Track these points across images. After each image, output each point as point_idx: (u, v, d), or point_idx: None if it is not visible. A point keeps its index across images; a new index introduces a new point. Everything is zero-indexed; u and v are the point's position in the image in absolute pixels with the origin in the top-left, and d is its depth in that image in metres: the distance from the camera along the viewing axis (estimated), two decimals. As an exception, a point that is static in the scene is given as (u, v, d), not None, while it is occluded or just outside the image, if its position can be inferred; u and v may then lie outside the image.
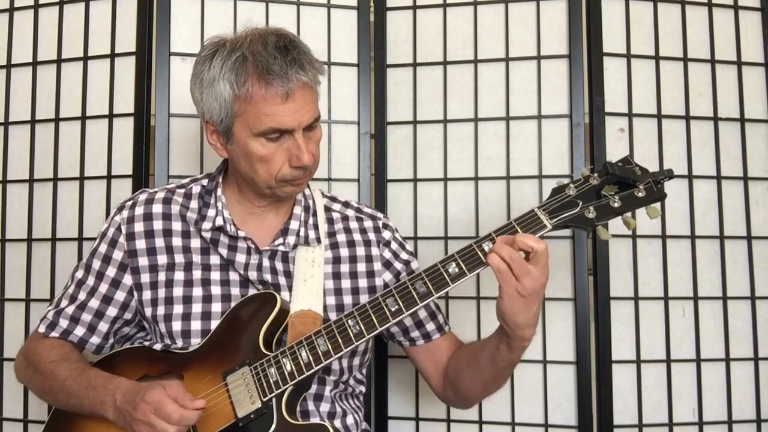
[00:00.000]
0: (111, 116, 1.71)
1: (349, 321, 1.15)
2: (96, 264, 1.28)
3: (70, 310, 1.27)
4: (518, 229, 1.13)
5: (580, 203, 1.13)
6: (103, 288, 1.27)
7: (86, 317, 1.27)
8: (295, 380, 1.13)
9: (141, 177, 1.67)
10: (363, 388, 1.37)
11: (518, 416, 1.69)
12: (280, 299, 1.20)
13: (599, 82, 1.69)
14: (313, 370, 1.14)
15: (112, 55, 1.72)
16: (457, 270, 1.13)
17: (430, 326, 1.35)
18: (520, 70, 1.75)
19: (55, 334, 1.28)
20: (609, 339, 1.65)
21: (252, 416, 1.12)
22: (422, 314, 1.34)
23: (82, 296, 1.28)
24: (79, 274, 1.30)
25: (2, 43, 1.78)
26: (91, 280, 1.28)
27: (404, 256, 1.37)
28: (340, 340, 1.14)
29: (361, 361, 1.33)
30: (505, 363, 1.21)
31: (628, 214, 1.15)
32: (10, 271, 1.75)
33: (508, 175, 1.73)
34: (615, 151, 1.69)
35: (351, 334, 1.14)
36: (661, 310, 1.68)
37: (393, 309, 1.14)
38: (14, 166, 1.77)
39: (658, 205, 1.15)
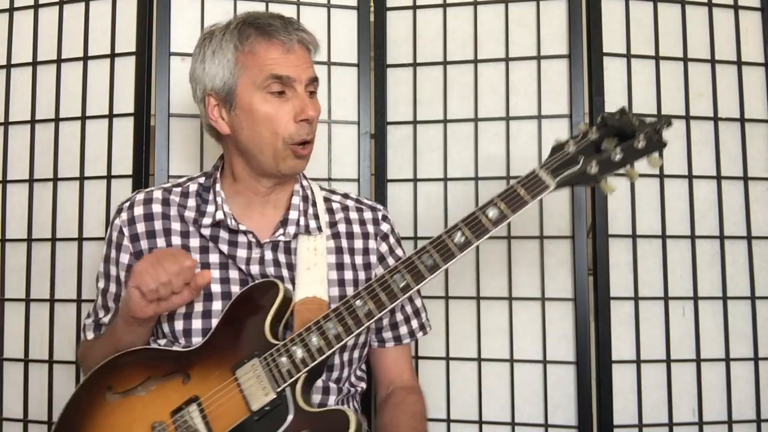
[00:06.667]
0: (111, 116, 1.71)
1: (357, 302, 1.12)
2: (112, 270, 1.29)
3: (107, 319, 1.32)
4: (520, 192, 1.11)
5: (582, 159, 1.11)
6: (122, 291, 1.28)
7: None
8: (308, 367, 1.11)
9: (141, 177, 1.67)
10: (364, 385, 1.36)
11: (518, 416, 1.69)
12: (283, 286, 1.18)
13: (599, 82, 1.69)
14: (325, 355, 1.11)
15: (112, 55, 1.72)
16: (463, 239, 1.10)
17: (403, 329, 1.35)
18: (520, 70, 1.75)
19: None
20: (609, 339, 1.65)
21: (267, 408, 1.10)
22: (399, 317, 1.34)
23: (112, 305, 1.31)
24: (101, 284, 1.32)
25: (2, 43, 1.78)
26: (112, 287, 1.29)
27: (399, 252, 1.37)
28: (350, 321, 1.11)
29: (361, 354, 1.32)
30: None
31: (630, 166, 1.11)
32: (10, 271, 1.75)
33: (508, 175, 1.73)
34: (615, 151, 1.69)
35: (361, 315, 1.12)
36: (661, 310, 1.68)
37: (401, 285, 1.11)
38: (14, 166, 1.77)
39: (657, 154, 1.11)
